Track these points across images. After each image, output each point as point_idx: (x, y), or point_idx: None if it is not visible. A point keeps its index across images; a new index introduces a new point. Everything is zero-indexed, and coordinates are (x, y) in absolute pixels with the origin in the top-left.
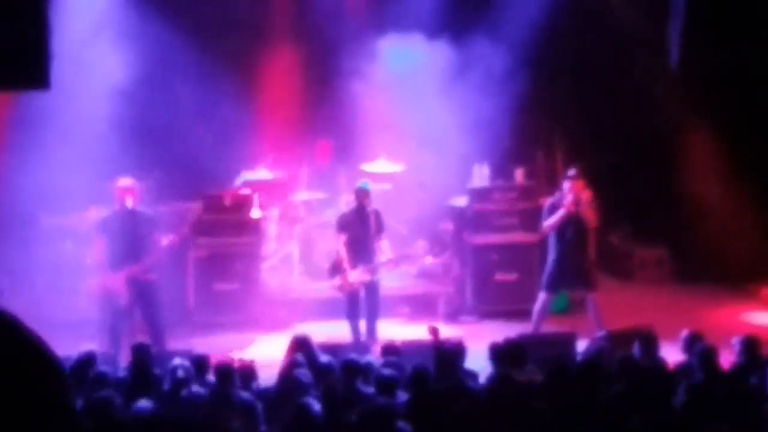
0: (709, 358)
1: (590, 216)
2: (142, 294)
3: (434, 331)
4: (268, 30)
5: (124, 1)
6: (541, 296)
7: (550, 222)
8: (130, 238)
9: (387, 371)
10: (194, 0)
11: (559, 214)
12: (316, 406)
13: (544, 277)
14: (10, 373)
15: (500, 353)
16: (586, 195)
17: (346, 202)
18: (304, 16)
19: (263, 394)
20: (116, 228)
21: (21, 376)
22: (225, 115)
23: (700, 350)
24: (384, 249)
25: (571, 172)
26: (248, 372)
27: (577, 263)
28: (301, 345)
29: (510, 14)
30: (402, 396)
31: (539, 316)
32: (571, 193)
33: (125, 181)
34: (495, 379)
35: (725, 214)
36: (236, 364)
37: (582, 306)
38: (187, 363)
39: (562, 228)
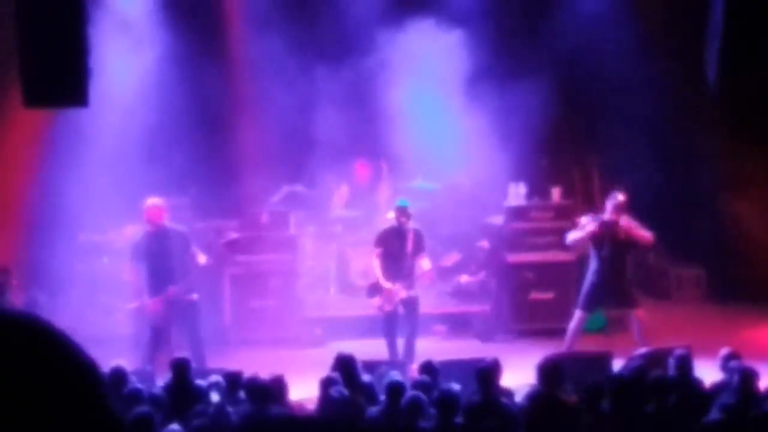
0: (746, 378)
1: (643, 236)
2: (185, 314)
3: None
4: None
5: (160, 16)
6: (577, 314)
7: (572, 236)
8: (165, 257)
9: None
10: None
11: (585, 231)
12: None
13: (581, 295)
14: (57, 383)
15: (548, 372)
16: (624, 219)
17: (384, 220)
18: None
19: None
20: (150, 250)
21: (66, 385)
22: (262, 131)
23: (738, 369)
24: (423, 267)
25: (621, 197)
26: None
27: (614, 282)
28: (344, 364)
29: (547, 32)
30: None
31: (573, 335)
32: (612, 215)
33: (153, 200)
34: (540, 398)
35: (762, 233)
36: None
37: (619, 324)
38: (221, 380)
39: (598, 247)
